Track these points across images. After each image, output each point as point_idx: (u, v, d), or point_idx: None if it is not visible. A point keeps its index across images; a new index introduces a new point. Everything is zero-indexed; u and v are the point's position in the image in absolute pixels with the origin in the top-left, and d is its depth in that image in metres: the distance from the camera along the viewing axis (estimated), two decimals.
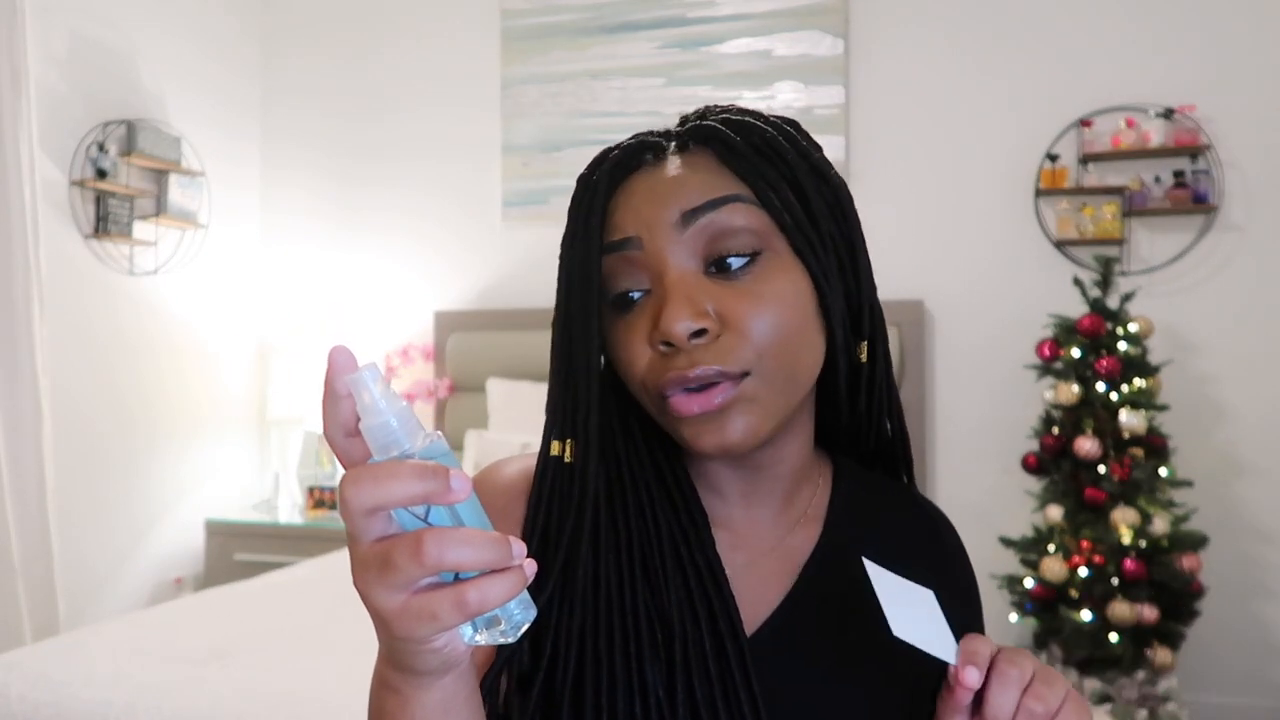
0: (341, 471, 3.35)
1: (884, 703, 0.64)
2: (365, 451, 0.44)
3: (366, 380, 0.42)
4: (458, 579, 0.42)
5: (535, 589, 0.62)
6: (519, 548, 0.42)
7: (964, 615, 0.72)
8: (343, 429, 0.44)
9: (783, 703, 0.61)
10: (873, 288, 0.68)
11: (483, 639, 0.45)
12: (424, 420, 3.69)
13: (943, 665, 0.69)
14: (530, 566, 0.43)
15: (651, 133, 0.67)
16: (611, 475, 0.65)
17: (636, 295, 0.63)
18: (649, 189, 0.63)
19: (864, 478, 0.74)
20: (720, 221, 0.61)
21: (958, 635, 0.71)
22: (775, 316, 0.60)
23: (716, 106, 0.68)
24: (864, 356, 0.68)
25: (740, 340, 0.59)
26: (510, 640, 0.45)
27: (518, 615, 0.45)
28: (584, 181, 0.66)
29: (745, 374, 0.60)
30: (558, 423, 0.64)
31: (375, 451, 0.42)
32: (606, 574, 0.61)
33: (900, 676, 0.65)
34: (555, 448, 0.64)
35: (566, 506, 0.62)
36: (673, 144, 0.65)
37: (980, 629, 0.75)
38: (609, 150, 0.66)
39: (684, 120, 0.68)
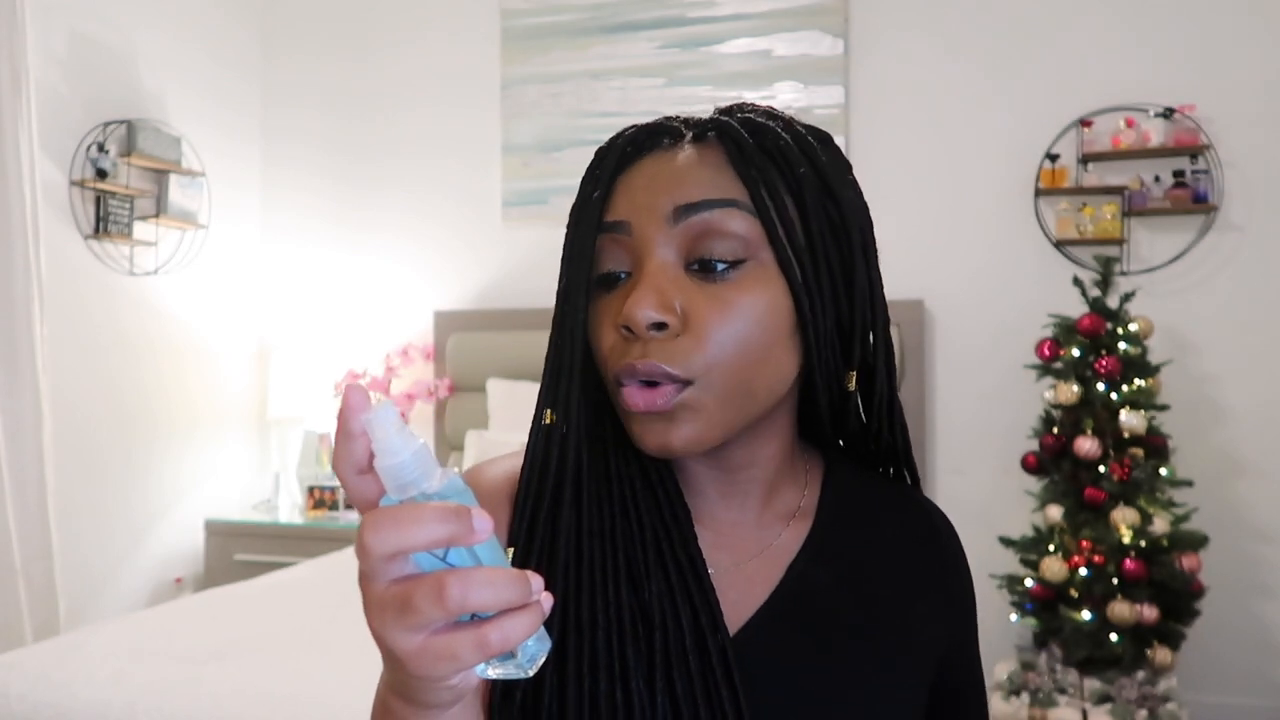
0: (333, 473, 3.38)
1: (872, 699, 0.64)
2: (376, 489, 0.43)
3: (382, 420, 0.42)
4: (475, 616, 0.42)
5: (523, 562, 0.62)
6: (537, 583, 0.42)
7: (956, 623, 0.72)
8: (355, 467, 0.43)
9: (767, 699, 0.61)
10: (871, 315, 0.66)
11: (496, 673, 0.44)
12: (427, 426, 3.70)
13: (932, 664, 0.68)
14: (547, 601, 0.43)
15: (675, 118, 0.66)
16: (598, 469, 0.65)
17: (622, 276, 0.63)
18: (651, 175, 0.63)
19: (859, 476, 0.73)
20: (712, 222, 0.60)
21: (948, 644, 0.71)
22: (739, 329, 0.60)
23: (749, 104, 0.67)
24: (851, 385, 0.67)
25: (696, 345, 0.59)
26: (526, 674, 0.44)
27: (533, 647, 0.44)
28: (600, 154, 0.66)
29: (688, 381, 0.59)
30: (550, 390, 0.65)
31: (391, 490, 0.42)
32: (590, 560, 0.61)
33: (889, 674, 0.65)
34: (548, 416, 0.64)
35: (549, 470, 0.63)
36: (689, 134, 0.65)
37: (974, 640, 0.75)
38: (630, 128, 0.66)
39: (716, 110, 0.68)
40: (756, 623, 0.64)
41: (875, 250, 0.67)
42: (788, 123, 0.65)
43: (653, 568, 0.62)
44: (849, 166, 0.67)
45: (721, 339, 0.59)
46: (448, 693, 0.45)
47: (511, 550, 0.62)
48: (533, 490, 0.63)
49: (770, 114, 0.66)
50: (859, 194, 0.66)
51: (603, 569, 0.61)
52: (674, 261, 0.61)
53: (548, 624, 0.59)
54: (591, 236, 0.63)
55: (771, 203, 0.61)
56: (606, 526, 0.63)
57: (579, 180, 0.66)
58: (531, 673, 0.44)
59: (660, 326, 0.59)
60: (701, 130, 0.64)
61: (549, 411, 0.64)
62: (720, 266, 0.60)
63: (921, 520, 0.73)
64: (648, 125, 0.65)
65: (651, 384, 0.60)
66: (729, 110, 0.67)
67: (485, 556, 0.42)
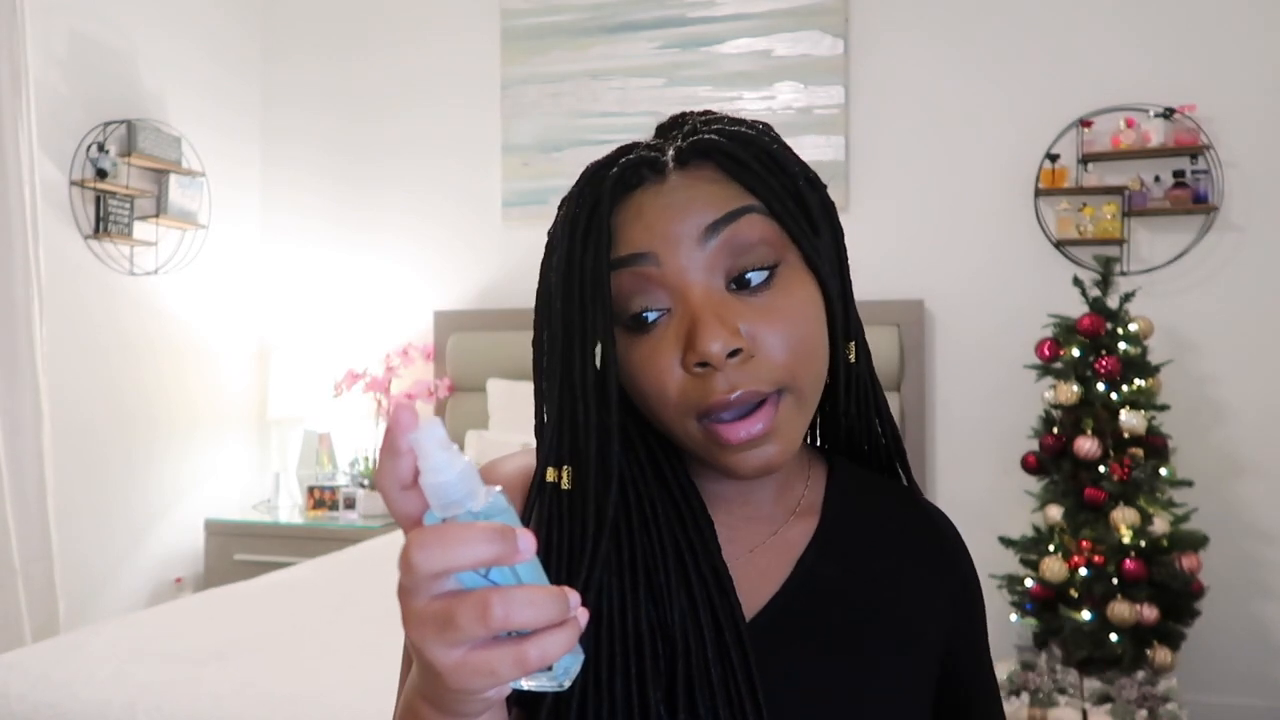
0: (341, 481, 3.28)
1: (878, 695, 0.64)
2: (419, 505, 0.44)
3: (429, 438, 0.42)
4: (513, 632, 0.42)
5: None
6: (574, 599, 0.43)
7: (961, 624, 0.72)
8: (399, 483, 0.44)
9: (779, 689, 0.61)
10: (851, 288, 0.70)
11: (531, 685, 0.45)
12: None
13: (935, 663, 0.69)
14: (584, 617, 0.44)
15: (646, 146, 0.65)
16: (615, 495, 0.64)
17: (652, 316, 0.61)
18: (661, 204, 0.62)
19: (859, 477, 0.74)
20: (739, 235, 0.61)
21: (953, 644, 0.71)
22: (799, 331, 0.61)
23: (691, 113, 0.68)
24: (853, 357, 0.69)
25: (771, 359, 0.60)
26: (560, 687, 0.45)
27: (568, 661, 0.45)
28: (575, 200, 0.64)
29: (779, 391, 0.61)
30: (554, 449, 0.63)
31: (435, 508, 0.43)
32: (609, 595, 0.61)
33: (895, 670, 0.66)
34: (550, 474, 0.63)
35: (576, 536, 0.61)
36: (670, 159, 0.64)
37: (982, 636, 0.75)
38: (600, 167, 0.64)
39: (663, 130, 0.67)
40: (767, 615, 0.64)
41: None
42: (746, 123, 0.66)
43: (675, 583, 0.61)
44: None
45: (789, 345, 0.61)
46: (480, 703, 0.46)
47: None
48: (544, 547, 0.61)
49: (732, 120, 0.65)
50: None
51: (621, 607, 0.60)
52: (718, 286, 0.61)
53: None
54: (605, 276, 0.61)
55: (781, 203, 0.63)
56: (626, 558, 0.62)
57: (571, 199, 0.65)
58: (566, 685, 0.45)
59: (735, 353, 0.59)
60: (683, 156, 0.63)
61: (551, 470, 0.63)
62: (757, 278, 0.61)
63: (923, 522, 0.74)
64: (626, 163, 0.63)
65: (740, 416, 0.60)
66: (691, 126, 0.66)
67: (525, 573, 0.43)
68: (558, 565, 0.61)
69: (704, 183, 0.62)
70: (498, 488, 0.44)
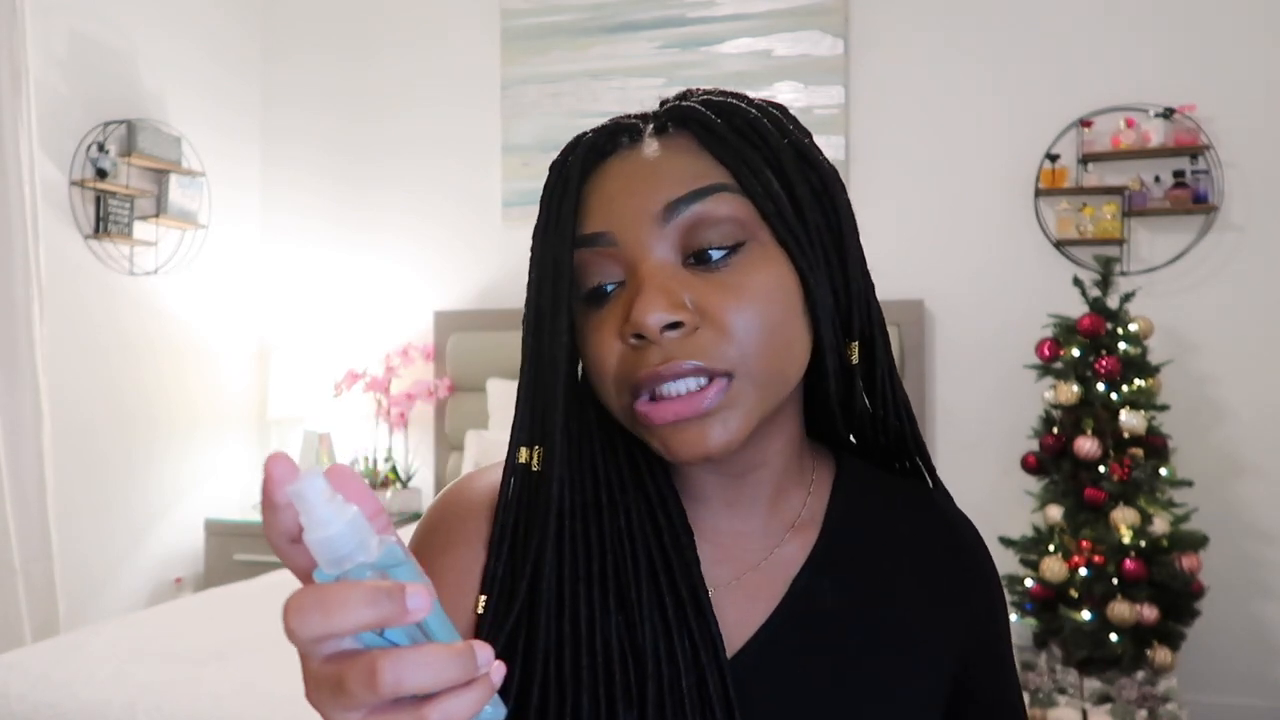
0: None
1: (882, 718, 0.60)
2: (311, 559, 0.40)
3: (309, 491, 0.38)
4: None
5: (504, 612, 0.58)
6: (484, 655, 0.39)
7: (980, 639, 0.67)
8: (286, 536, 0.40)
9: None
10: (866, 284, 0.63)
11: None
12: (427, 426, 3.69)
13: (945, 682, 0.64)
14: (498, 673, 0.40)
15: (628, 116, 0.62)
16: (589, 498, 0.60)
17: (610, 288, 0.59)
18: (626, 177, 0.59)
19: (872, 479, 0.69)
20: (703, 212, 0.57)
21: (970, 660, 0.66)
22: (757, 311, 0.56)
23: (699, 89, 0.64)
24: (855, 358, 0.63)
25: (720, 335, 0.55)
26: None
27: (488, 713, 0.42)
28: (556, 169, 0.62)
29: (728, 374, 0.55)
30: (525, 427, 0.61)
31: (323, 565, 0.39)
32: (574, 608, 0.57)
33: (894, 698, 0.61)
34: (523, 455, 0.61)
35: (533, 518, 0.58)
36: (650, 126, 0.61)
37: (1004, 647, 0.70)
38: (583, 135, 0.62)
39: (664, 103, 0.64)
40: (756, 644, 0.60)
41: (854, 217, 0.64)
42: (746, 98, 0.62)
43: (648, 604, 0.57)
44: (809, 133, 0.64)
45: (743, 323, 0.56)
46: None
47: (484, 599, 0.59)
48: (510, 535, 0.59)
49: (724, 92, 0.62)
50: (829, 160, 0.64)
51: (589, 618, 0.57)
52: (671, 259, 0.57)
53: (524, 655, 0.56)
54: (567, 252, 0.58)
55: (757, 178, 0.58)
56: (595, 569, 0.58)
57: (551, 168, 0.63)
58: None
59: (675, 326, 0.55)
60: (661, 122, 0.61)
61: (524, 450, 0.61)
62: (718, 254, 0.57)
63: (941, 530, 0.69)
64: (602, 129, 0.61)
65: (680, 393, 0.55)
66: (681, 96, 0.63)
67: (433, 626, 0.40)
68: (524, 551, 0.59)
69: (679, 153, 0.59)
70: (393, 538, 0.40)
